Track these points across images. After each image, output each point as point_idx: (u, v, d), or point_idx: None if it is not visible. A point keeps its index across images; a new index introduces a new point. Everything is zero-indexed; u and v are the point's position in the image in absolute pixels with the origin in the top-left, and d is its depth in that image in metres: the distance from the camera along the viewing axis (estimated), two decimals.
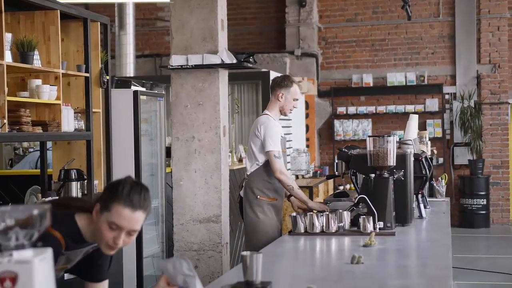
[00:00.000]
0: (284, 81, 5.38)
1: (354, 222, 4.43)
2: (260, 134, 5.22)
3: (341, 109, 13.15)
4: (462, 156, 12.80)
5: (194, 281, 2.65)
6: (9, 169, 8.21)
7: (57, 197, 5.00)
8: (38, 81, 5.11)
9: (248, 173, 5.39)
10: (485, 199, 12.46)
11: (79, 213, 2.73)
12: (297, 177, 10.38)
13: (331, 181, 11.45)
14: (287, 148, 9.91)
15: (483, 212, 12.48)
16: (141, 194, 2.63)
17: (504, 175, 12.84)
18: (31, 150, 8.56)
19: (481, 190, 12.47)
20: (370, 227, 4.26)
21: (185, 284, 2.65)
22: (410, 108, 12.80)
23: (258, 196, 5.28)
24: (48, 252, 1.82)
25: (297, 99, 5.41)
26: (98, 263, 2.91)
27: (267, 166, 5.25)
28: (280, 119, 5.40)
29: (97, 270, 2.93)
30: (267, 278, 2.89)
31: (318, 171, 11.28)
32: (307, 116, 12.65)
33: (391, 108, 12.95)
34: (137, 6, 12.84)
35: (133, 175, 6.49)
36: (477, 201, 12.44)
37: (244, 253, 2.78)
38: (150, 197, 2.72)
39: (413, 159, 4.91)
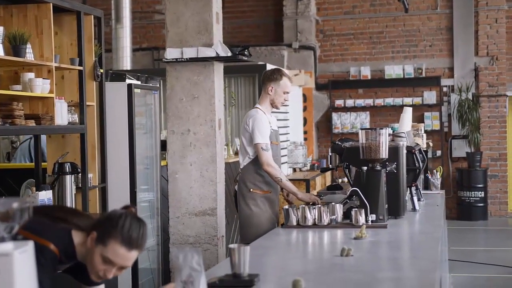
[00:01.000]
0: (274, 75, 5.38)
1: (347, 215, 4.44)
2: (249, 127, 5.24)
3: (339, 102, 13.15)
4: (460, 149, 12.80)
5: (200, 276, 2.65)
6: (7, 163, 8.21)
7: (53, 205, 4.94)
8: (31, 75, 5.10)
9: (241, 167, 5.41)
10: (483, 192, 12.47)
11: (76, 230, 2.71)
12: (294, 170, 10.39)
13: (328, 174, 11.46)
14: (282, 141, 9.95)
15: (481, 204, 12.49)
16: (139, 232, 2.63)
17: (502, 167, 12.84)
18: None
19: (479, 182, 12.47)
20: (362, 219, 4.27)
21: (189, 278, 2.65)
22: (408, 100, 12.79)
23: (251, 189, 5.30)
24: (29, 245, 1.82)
25: (287, 92, 5.39)
26: None
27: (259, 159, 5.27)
28: (277, 112, 5.45)
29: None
30: (256, 271, 2.90)
31: (316, 164, 11.29)
32: (305, 109, 12.65)
33: (389, 101, 12.94)
34: None
35: (127, 168, 6.54)
36: (475, 193, 12.45)
37: (232, 246, 2.79)
38: (147, 233, 2.71)
39: (406, 151, 4.91)
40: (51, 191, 5.34)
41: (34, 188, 5.56)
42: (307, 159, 10.65)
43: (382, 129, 4.51)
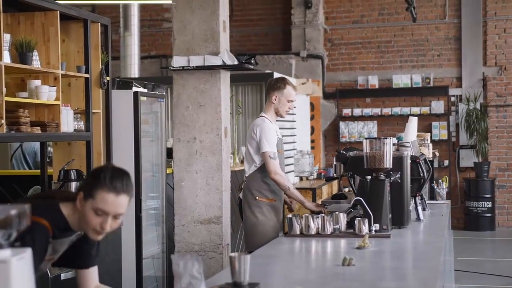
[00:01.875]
0: (277, 83, 5.43)
1: (351, 224, 4.43)
2: (256, 136, 5.28)
3: (346, 111, 13.14)
4: (468, 159, 12.76)
5: (200, 284, 2.66)
6: (12, 169, 8.25)
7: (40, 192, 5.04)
8: (37, 82, 5.13)
9: (246, 175, 5.43)
10: (490, 202, 12.42)
11: (64, 203, 2.80)
12: (301, 178, 10.38)
13: (335, 183, 11.43)
14: (289, 150, 9.95)
15: (489, 215, 12.44)
16: (123, 179, 2.72)
17: (510, 177, 12.80)
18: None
19: (487, 192, 12.43)
20: (365, 229, 4.26)
21: (188, 286, 2.65)
22: (415, 110, 12.77)
23: (257, 197, 5.32)
24: (27, 252, 1.83)
25: (291, 101, 5.43)
26: (85, 248, 2.95)
27: (265, 168, 5.28)
28: (284, 121, 5.47)
29: (85, 256, 2.98)
30: (257, 279, 2.90)
31: (323, 173, 11.28)
32: (312, 117, 12.66)
33: (397, 110, 12.93)
34: (144, 7, 12.88)
35: (133, 176, 6.53)
36: (482, 203, 12.40)
37: (232, 254, 2.79)
38: (132, 181, 2.80)
39: (411, 161, 4.90)
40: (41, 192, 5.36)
41: None
42: (314, 168, 10.64)
43: (386, 138, 4.50)
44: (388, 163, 4.47)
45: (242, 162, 8.36)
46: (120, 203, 2.71)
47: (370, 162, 4.49)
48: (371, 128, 13.04)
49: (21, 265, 1.79)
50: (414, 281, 3.11)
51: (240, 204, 5.55)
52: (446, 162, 12.72)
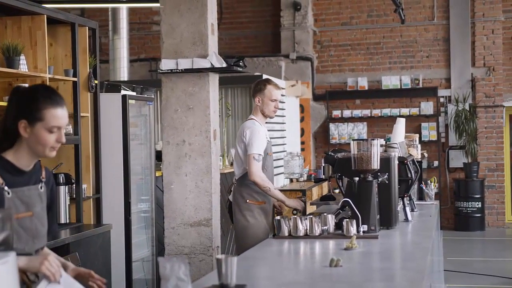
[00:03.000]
0: (258, 85, 5.52)
1: (339, 225, 4.44)
2: (245, 138, 5.33)
3: (336, 113, 13.17)
4: (457, 159, 12.81)
5: (186, 287, 2.66)
6: None
7: None
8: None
9: (236, 178, 5.44)
10: (480, 202, 12.47)
11: (3, 153, 2.79)
12: (291, 180, 10.39)
13: (325, 185, 11.46)
14: (279, 152, 9.96)
15: (478, 215, 12.49)
16: (56, 92, 2.82)
17: (499, 178, 12.85)
18: None
19: (476, 193, 12.48)
20: (353, 230, 4.27)
21: None
22: (405, 111, 12.81)
23: (248, 200, 5.34)
24: (11, 256, 1.84)
25: (275, 100, 5.47)
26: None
27: None
28: (273, 122, 5.48)
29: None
30: (244, 281, 2.91)
31: (313, 175, 11.29)
32: (302, 119, 12.68)
33: (386, 111, 12.97)
34: (133, 10, 12.87)
35: (122, 179, 6.55)
36: (472, 204, 12.45)
37: (219, 256, 2.80)
38: None
39: (399, 162, 4.92)
40: None
41: None
42: (304, 169, 10.66)
43: (373, 139, 4.52)
44: (375, 164, 4.49)
45: (231, 164, 8.37)
46: (65, 114, 2.80)
47: (357, 163, 4.50)
48: (361, 129, 13.07)
49: (4, 269, 1.80)
50: (401, 281, 3.12)
51: (230, 207, 5.56)
52: (436, 163, 12.76)
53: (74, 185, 5.69)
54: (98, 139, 6.13)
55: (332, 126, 13.15)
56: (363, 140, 4.54)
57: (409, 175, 5.12)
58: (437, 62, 13.03)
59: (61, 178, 5.53)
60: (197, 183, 5.90)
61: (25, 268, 2.62)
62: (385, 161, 4.63)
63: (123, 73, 10.89)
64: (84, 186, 5.85)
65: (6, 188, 2.72)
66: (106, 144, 6.28)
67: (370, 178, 4.50)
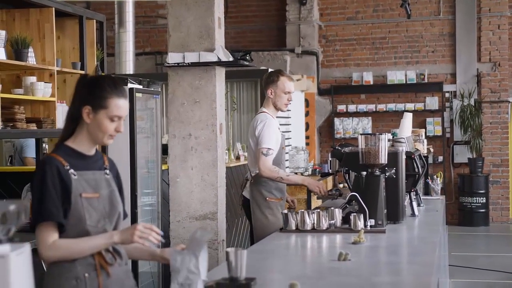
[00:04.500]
0: (271, 77, 5.36)
1: (346, 219, 4.44)
2: (257, 131, 5.23)
3: (341, 107, 13.17)
4: (462, 155, 12.80)
5: (197, 280, 2.68)
6: (9, 166, 8.24)
7: None
8: (33, 78, 5.14)
9: (253, 174, 5.33)
10: (484, 198, 12.47)
11: (65, 140, 2.92)
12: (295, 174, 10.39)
13: (330, 179, 11.46)
14: (286, 146, 9.95)
15: (483, 210, 12.49)
16: (120, 83, 2.94)
17: (504, 173, 12.84)
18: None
19: (481, 188, 12.47)
20: (360, 224, 4.27)
21: (186, 281, 2.67)
22: (410, 106, 12.81)
23: (267, 198, 5.26)
24: (26, 247, 1.84)
25: (288, 92, 5.34)
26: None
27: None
28: (279, 117, 5.44)
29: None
30: (253, 275, 2.91)
31: (318, 169, 11.29)
32: (307, 114, 12.68)
33: (391, 106, 12.96)
34: (138, 3, 12.87)
35: (128, 173, 6.55)
36: (476, 199, 12.45)
37: (229, 249, 2.80)
38: None
39: (406, 157, 4.92)
40: None
41: None
42: (309, 164, 10.66)
43: (381, 134, 4.52)
44: (383, 158, 4.48)
45: (237, 158, 8.38)
46: (127, 106, 2.92)
47: (365, 157, 4.50)
48: (366, 124, 13.07)
49: (20, 260, 1.80)
50: (409, 276, 3.13)
51: (244, 204, 5.47)
52: (441, 158, 12.76)
53: None
54: None
55: (337, 121, 13.15)
56: (371, 134, 4.54)
57: (416, 169, 5.12)
58: (442, 57, 13.02)
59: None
60: (203, 177, 5.91)
61: (121, 242, 2.84)
62: (393, 156, 4.63)
63: (129, 67, 10.89)
64: None
65: (72, 170, 2.84)
66: None
67: (377, 172, 4.50)
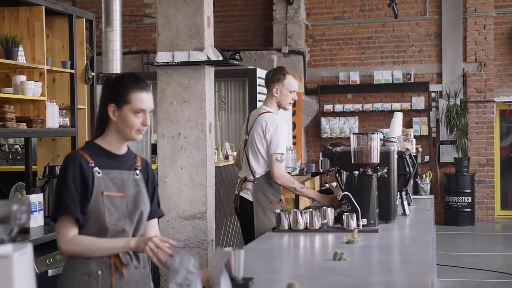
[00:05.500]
0: (276, 75, 5.19)
1: (338, 219, 4.44)
2: (268, 135, 5.04)
3: (328, 107, 13.19)
4: (448, 154, 12.86)
5: (196, 279, 2.67)
6: None
7: None
8: (23, 77, 5.09)
9: (257, 176, 5.16)
10: (470, 197, 12.53)
11: (95, 139, 2.98)
12: None
13: (317, 179, 11.47)
14: None
15: (468, 209, 12.55)
16: (142, 79, 2.99)
17: (489, 173, 12.92)
18: (16, 146, 8.53)
19: (466, 188, 12.54)
20: (353, 224, 4.28)
21: (185, 281, 2.66)
22: (396, 106, 12.85)
23: (272, 201, 5.13)
24: (28, 248, 1.83)
25: (293, 91, 5.18)
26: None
27: None
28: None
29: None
30: (249, 274, 2.91)
31: (305, 169, 11.30)
32: (294, 113, 12.68)
33: (378, 106, 13.00)
34: (125, 2, 12.80)
35: None
36: (462, 198, 12.51)
37: (226, 249, 2.80)
38: None
39: (397, 156, 4.93)
40: (42, 194, 5.32)
41: (24, 191, 5.53)
42: (296, 163, 10.67)
43: (373, 133, 4.52)
44: (375, 158, 4.49)
45: (226, 158, 8.37)
46: (151, 99, 2.96)
47: (357, 157, 4.50)
48: (353, 124, 13.10)
49: (22, 260, 1.79)
50: (405, 275, 3.12)
51: (241, 205, 5.26)
52: (427, 158, 12.81)
53: None
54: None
55: (323, 121, 13.17)
56: (363, 134, 4.54)
57: (408, 169, 5.14)
58: (428, 57, 13.07)
59: (58, 170, 5.49)
60: (192, 177, 5.89)
61: (136, 249, 2.85)
62: (385, 155, 4.64)
63: (116, 66, 10.81)
64: None
65: (96, 168, 2.88)
66: None
67: (370, 172, 4.51)
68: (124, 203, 2.94)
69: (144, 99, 2.92)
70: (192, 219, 5.86)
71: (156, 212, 3.11)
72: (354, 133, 4.58)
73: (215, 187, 6.19)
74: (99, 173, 2.88)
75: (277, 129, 5.06)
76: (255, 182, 5.16)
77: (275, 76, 5.21)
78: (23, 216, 1.82)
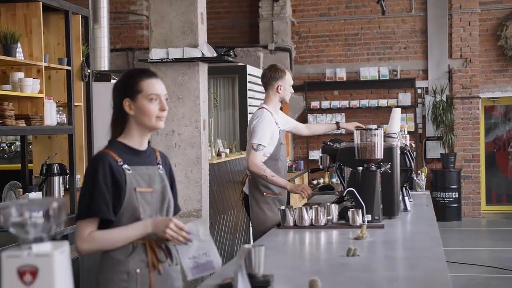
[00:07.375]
0: (277, 73, 5.37)
1: (341, 215, 4.44)
2: (251, 125, 5.22)
3: (314, 104, 13.19)
4: (434, 150, 12.93)
5: (210, 246, 2.65)
6: None
7: None
8: (21, 74, 5.03)
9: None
10: (456, 193, 12.61)
11: (117, 138, 2.96)
12: None
13: (305, 175, 11.49)
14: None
15: (455, 205, 12.63)
16: (147, 69, 3.06)
17: (475, 168, 13.00)
18: (3, 145, 8.44)
19: (453, 183, 12.61)
20: (359, 220, 4.27)
21: (199, 251, 2.65)
22: (383, 102, 12.88)
23: (265, 193, 5.25)
24: (66, 246, 1.80)
25: (291, 84, 5.49)
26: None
27: (271, 161, 5.21)
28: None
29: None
30: (266, 271, 2.89)
31: (293, 166, 11.32)
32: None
33: (364, 102, 13.02)
34: None
35: None
36: (449, 194, 12.58)
37: (247, 246, 2.77)
38: None
39: (399, 152, 4.93)
40: (40, 192, 5.27)
41: (20, 190, 5.47)
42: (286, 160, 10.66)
43: (377, 129, 4.52)
44: (379, 153, 4.49)
45: (218, 155, 8.35)
46: (162, 85, 2.97)
47: (361, 153, 4.50)
48: (339, 120, 13.10)
49: (62, 258, 1.76)
50: (423, 270, 3.11)
51: (245, 199, 5.42)
52: (414, 154, 12.84)
53: (68, 175, 5.60)
54: (91, 129, 6.05)
55: (310, 117, 13.17)
56: (366, 129, 4.53)
57: (408, 164, 5.15)
58: (414, 54, 13.12)
59: (55, 168, 5.44)
60: (187, 174, 5.87)
61: (154, 233, 2.81)
62: (388, 151, 4.64)
63: (104, 63, 10.75)
64: (77, 176, 5.76)
65: (125, 166, 2.87)
66: (99, 133, 6.20)
67: (373, 167, 4.50)
68: (154, 198, 2.93)
69: (154, 83, 2.92)
70: (187, 217, 5.85)
71: (176, 207, 3.10)
72: (357, 129, 4.57)
73: (209, 184, 6.17)
74: (128, 170, 2.87)
75: (259, 121, 5.20)
76: (250, 176, 5.28)
77: (276, 75, 5.37)
78: (62, 214, 1.79)
